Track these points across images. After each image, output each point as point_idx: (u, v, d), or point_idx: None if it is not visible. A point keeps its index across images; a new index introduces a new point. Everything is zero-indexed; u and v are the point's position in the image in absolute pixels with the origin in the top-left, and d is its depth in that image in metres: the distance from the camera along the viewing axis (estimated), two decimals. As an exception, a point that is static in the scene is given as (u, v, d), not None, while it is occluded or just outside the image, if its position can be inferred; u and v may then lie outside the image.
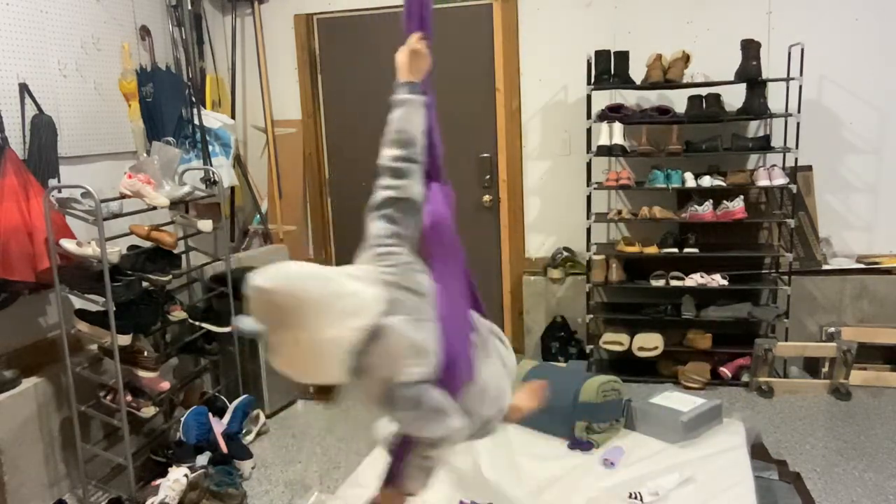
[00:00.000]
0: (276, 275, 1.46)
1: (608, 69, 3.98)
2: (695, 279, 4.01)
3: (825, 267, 4.12)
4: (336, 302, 1.42)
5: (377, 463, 2.63)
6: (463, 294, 1.75)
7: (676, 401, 3.09)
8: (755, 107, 3.85)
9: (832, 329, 4.02)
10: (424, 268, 1.67)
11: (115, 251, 2.93)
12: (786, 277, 4.02)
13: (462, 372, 1.63)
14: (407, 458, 1.79)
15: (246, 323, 1.45)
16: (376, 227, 1.69)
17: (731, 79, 3.87)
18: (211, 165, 4.10)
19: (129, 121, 3.79)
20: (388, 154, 1.74)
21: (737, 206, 3.86)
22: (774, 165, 3.91)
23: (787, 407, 3.72)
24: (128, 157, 3.72)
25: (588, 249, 4.13)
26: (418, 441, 1.68)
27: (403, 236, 1.67)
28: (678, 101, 4.14)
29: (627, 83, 4.00)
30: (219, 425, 3.35)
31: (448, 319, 1.60)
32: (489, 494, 2.57)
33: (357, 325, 1.43)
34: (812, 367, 4.11)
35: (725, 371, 4.02)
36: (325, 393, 1.55)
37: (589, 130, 4.02)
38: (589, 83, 3.98)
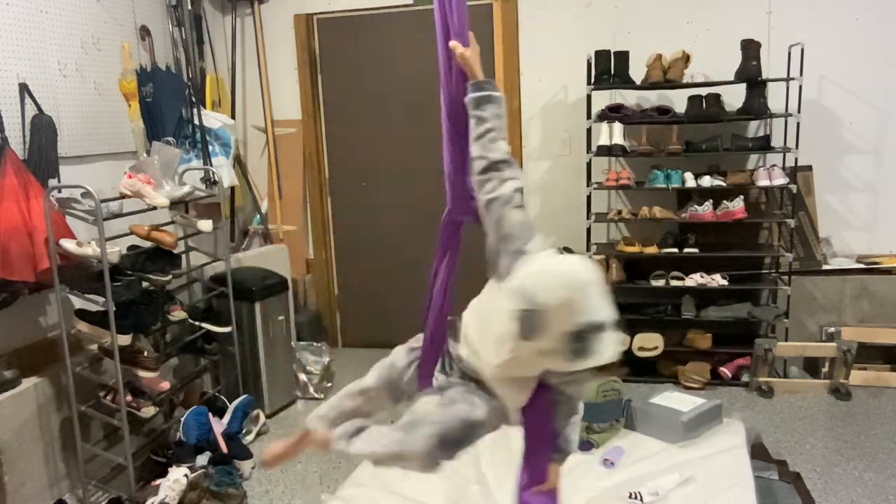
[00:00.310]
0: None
1: (608, 69, 3.98)
2: (695, 279, 4.01)
3: (825, 267, 4.12)
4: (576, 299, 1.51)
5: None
6: None
7: (676, 401, 3.09)
8: (755, 107, 3.85)
9: (832, 329, 4.02)
10: None
11: (115, 251, 2.93)
12: (786, 277, 4.02)
13: None
14: (558, 422, 1.84)
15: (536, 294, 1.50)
16: (518, 216, 1.69)
17: (731, 79, 3.87)
18: (211, 165, 4.10)
19: (129, 121, 3.79)
20: (503, 148, 1.75)
21: (737, 206, 3.86)
22: (774, 165, 3.91)
23: (787, 407, 3.72)
24: (128, 157, 3.72)
25: (588, 249, 4.13)
26: (576, 384, 1.72)
27: (520, 227, 1.70)
28: (678, 101, 4.14)
29: (627, 83, 4.00)
30: (219, 425, 3.35)
31: None
32: (489, 494, 2.57)
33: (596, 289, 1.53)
34: (812, 367, 4.11)
35: (725, 371, 4.02)
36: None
37: (589, 130, 4.02)
38: (589, 83, 3.98)
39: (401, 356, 2.01)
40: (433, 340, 1.91)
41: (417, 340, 1.99)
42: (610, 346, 1.50)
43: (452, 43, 1.78)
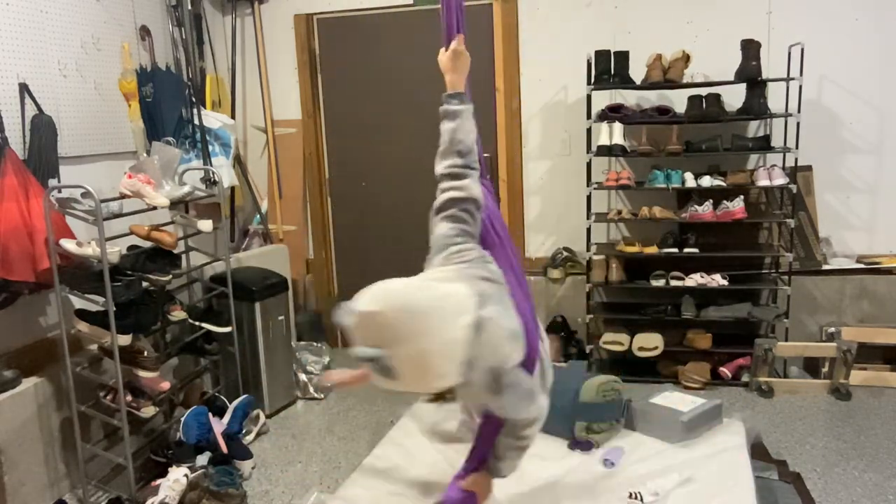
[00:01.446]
0: (377, 296, 1.45)
1: (608, 69, 3.98)
2: (695, 279, 4.01)
3: (825, 267, 4.12)
4: (443, 305, 1.45)
5: (377, 462, 2.64)
6: (518, 277, 1.82)
7: (676, 401, 3.09)
8: (755, 107, 3.85)
9: (832, 329, 4.02)
10: (492, 258, 1.74)
11: (115, 251, 2.93)
12: (786, 277, 4.02)
13: (533, 351, 1.70)
14: (498, 442, 1.87)
15: (365, 350, 1.41)
16: (443, 228, 1.75)
17: (731, 79, 3.87)
18: (211, 165, 4.10)
19: (129, 121, 3.79)
20: (446, 163, 1.82)
21: (737, 206, 3.86)
22: (774, 165, 3.91)
23: (787, 407, 3.72)
24: (128, 157, 3.72)
25: (588, 249, 4.13)
26: (515, 423, 1.76)
27: (469, 233, 1.74)
28: (678, 101, 4.14)
29: (627, 83, 4.00)
30: (219, 425, 3.35)
31: (519, 303, 1.67)
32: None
33: (465, 321, 1.45)
34: (812, 367, 4.11)
35: (725, 371, 4.02)
36: (441, 396, 1.58)
37: (589, 130, 4.02)
38: (589, 83, 3.98)
39: None
40: None
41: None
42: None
43: (454, 45, 1.90)
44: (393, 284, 1.49)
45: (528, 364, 1.70)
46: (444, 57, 1.92)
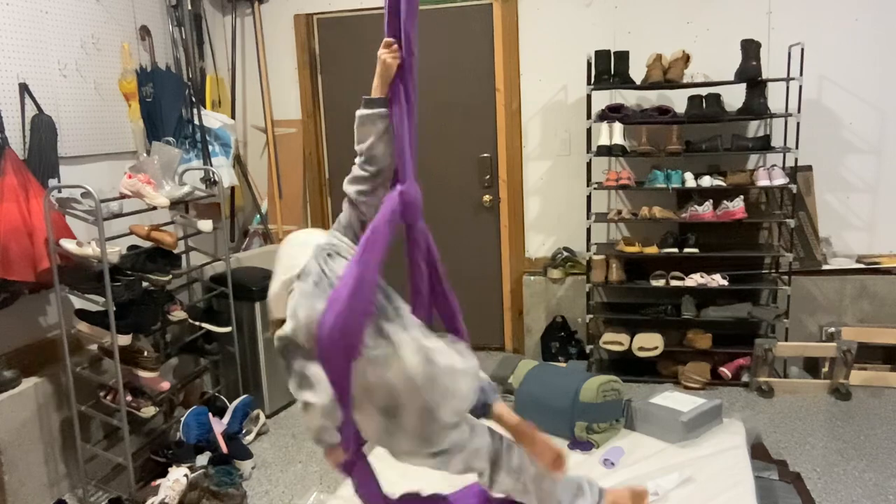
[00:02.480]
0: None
1: (608, 69, 3.98)
2: (695, 279, 4.01)
3: (825, 267, 4.12)
4: (282, 258, 1.91)
5: (376, 462, 2.63)
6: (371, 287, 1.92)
7: (676, 401, 3.09)
8: (755, 107, 3.85)
9: (832, 329, 4.02)
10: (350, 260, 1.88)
11: (115, 251, 2.93)
12: (786, 277, 4.02)
13: (344, 347, 1.77)
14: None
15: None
16: (343, 213, 2.00)
17: (731, 79, 3.87)
18: (211, 165, 4.10)
19: (129, 121, 3.79)
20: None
21: (737, 206, 3.86)
22: (774, 165, 3.91)
23: (787, 407, 3.72)
24: (128, 157, 3.72)
25: (588, 249, 4.13)
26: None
27: (345, 226, 1.99)
28: (678, 101, 4.14)
29: (627, 83, 4.00)
30: (219, 425, 3.35)
31: (346, 300, 1.75)
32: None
33: (283, 278, 1.85)
34: (812, 367, 4.11)
35: (725, 371, 4.02)
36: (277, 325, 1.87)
37: (589, 130, 4.02)
38: (589, 83, 3.98)
39: None
40: None
41: None
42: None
43: (388, 40, 2.04)
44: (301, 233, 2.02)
45: (330, 356, 1.79)
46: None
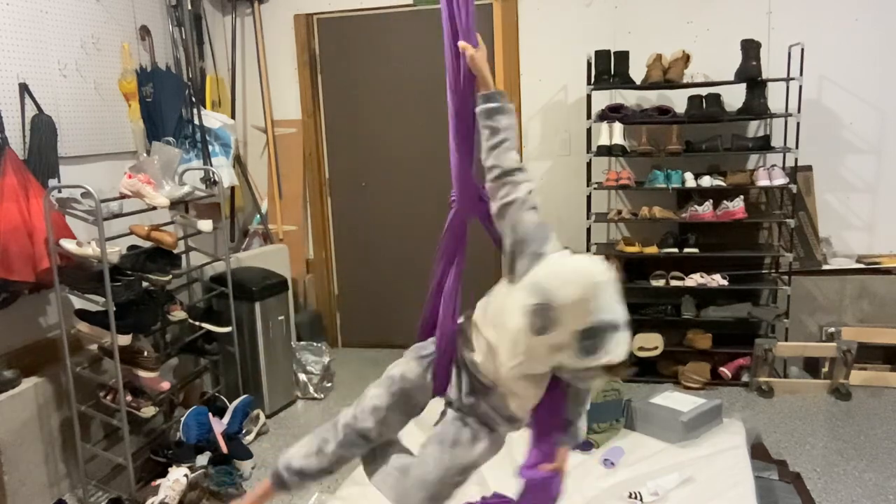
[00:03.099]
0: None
1: (608, 69, 3.98)
2: (695, 279, 4.01)
3: (825, 267, 4.11)
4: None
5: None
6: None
7: (676, 401, 3.09)
8: (755, 107, 3.85)
9: (832, 329, 4.01)
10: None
11: (115, 251, 2.93)
12: (786, 277, 4.02)
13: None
14: (568, 407, 1.86)
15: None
16: (533, 217, 1.74)
17: (731, 79, 3.87)
18: (211, 165, 4.10)
19: (129, 121, 3.79)
20: (516, 157, 1.80)
21: (737, 206, 3.86)
22: (774, 165, 3.91)
23: (787, 407, 3.71)
24: (128, 157, 3.72)
25: (588, 249, 4.13)
26: (575, 377, 1.71)
27: None
28: (678, 101, 4.14)
29: (627, 83, 4.00)
30: (219, 425, 3.35)
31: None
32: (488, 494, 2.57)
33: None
34: (812, 367, 4.11)
35: (725, 371, 4.02)
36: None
37: (589, 130, 4.02)
38: (589, 83, 3.98)
39: (412, 367, 1.93)
40: (446, 348, 1.87)
41: (423, 347, 1.95)
42: (620, 346, 1.52)
43: (462, 43, 1.79)
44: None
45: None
46: (482, 62, 1.86)
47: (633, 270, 4.20)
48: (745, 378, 3.98)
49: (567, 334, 1.51)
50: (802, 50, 3.78)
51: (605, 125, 3.95)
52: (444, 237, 1.90)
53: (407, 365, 1.94)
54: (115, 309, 2.85)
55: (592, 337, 1.49)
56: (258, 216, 4.78)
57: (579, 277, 1.54)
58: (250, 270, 3.96)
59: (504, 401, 1.80)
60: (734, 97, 3.95)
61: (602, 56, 3.97)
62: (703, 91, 3.94)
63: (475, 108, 1.81)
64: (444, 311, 1.87)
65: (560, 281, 1.54)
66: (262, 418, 3.69)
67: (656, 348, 3.98)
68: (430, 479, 1.85)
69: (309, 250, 4.95)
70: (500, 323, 1.71)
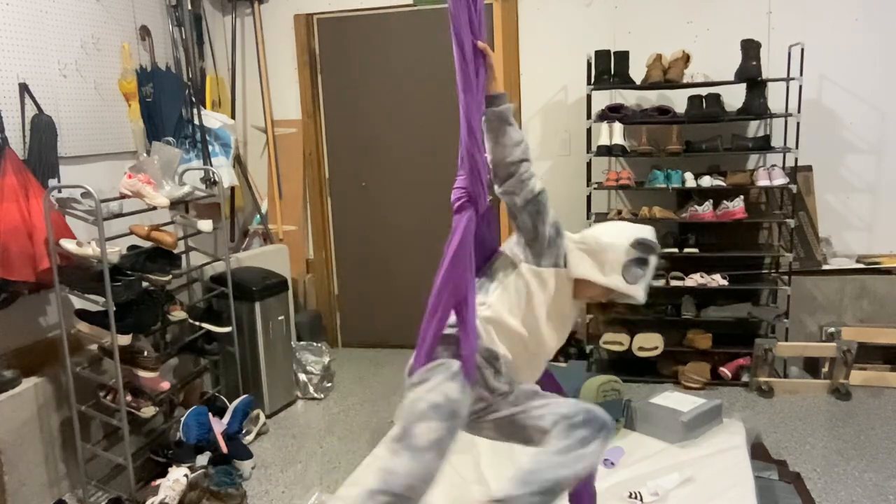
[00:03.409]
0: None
1: (608, 69, 3.98)
2: (695, 279, 4.01)
3: (825, 267, 4.12)
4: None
5: (377, 462, 2.64)
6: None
7: (676, 401, 3.09)
8: (755, 107, 3.85)
9: (832, 329, 4.02)
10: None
11: (115, 251, 2.93)
12: (786, 277, 4.02)
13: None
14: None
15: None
16: (552, 214, 2.02)
17: (731, 79, 3.87)
18: (211, 165, 4.10)
19: (129, 121, 3.79)
20: (527, 159, 1.97)
21: (737, 206, 3.86)
22: (774, 165, 3.91)
23: (787, 407, 3.72)
24: (128, 157, 3.72)
25: (588, 249, 4.12)
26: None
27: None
28: (678, 101, 4.14)
29: (627, 83, 4.00)
30: (219, 425, 3.35)
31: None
32: (488, 494, 2.57)
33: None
34: (812, 367, 4.11)
35: (725, 371, 4.02)
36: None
37: (589, 130, 4.02)
38: (589, 83, 3.98)
39: (459, 400, 1.76)
40: (469, 356, 1.80)
41: (449, 367, 1.78)
42: (650, 275, 2.01)
43: (482, 45, 1.88)
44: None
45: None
46: (495, 65, 1.95)
47: (633, 270, 4.20)
48: (745, 378, 3.98)
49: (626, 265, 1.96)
50: (802, 50, 3.78)
51: (605, 125, 3.95)
52: (452, 250, 1.83)
53: (455, 403, 1.76)
54: (115, 309, 2.85)
55: (642, 265, 1.98)
56: (258, 216, 4.79)
57: (631, 225, 2.05)
58: (250, 270, 3.96)
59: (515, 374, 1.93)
60: (734, 97, 3.95)
61: (602, 56, 3.97)
62: (703, 91, 3.94)
63: (490, 106, 1.92)
64: (468, 319, 1.80)
65: (624, 228, 2.04)
66: (262, 418, 3.69)
67: (656, 348, 3.98)
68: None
69: (309, 250, 4.95)
70: (540, 302, 1.91)
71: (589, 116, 3.99)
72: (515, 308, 1.89)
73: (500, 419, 1.91)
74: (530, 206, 1.92)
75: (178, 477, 2.85)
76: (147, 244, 3.24)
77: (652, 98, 4.29)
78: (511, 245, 2.00)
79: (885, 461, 3.10)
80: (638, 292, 1.98)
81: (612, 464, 2.80)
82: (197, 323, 3.53)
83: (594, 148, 3.98)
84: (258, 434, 3.62)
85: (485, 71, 1.88)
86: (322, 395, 4.11)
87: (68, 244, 2.88)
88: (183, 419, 3.28)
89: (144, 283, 3.11)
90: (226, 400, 3.64)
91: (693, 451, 2.85)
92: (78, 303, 3.08)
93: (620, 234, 1.99)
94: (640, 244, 1.95)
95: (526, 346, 1.91)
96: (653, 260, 1.98)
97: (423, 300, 1.89)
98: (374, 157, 4.79)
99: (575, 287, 1.99)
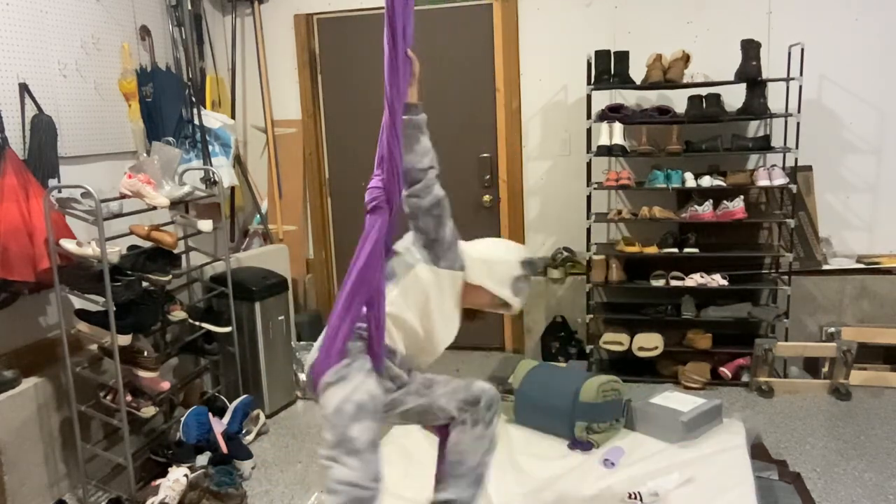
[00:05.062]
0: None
1: (608, 69, 3.98)
2: (695, 279, 4.01)
3: (825, 267, 4.12)
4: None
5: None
6: None
7: (676, 401, 3.09)
8: (755, 107, 3.85)
9: (832, 329, 4.02)
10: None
11: (115, 251, 2.93)
12: (786, 277, 4.02)
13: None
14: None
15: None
16: (450, 223, 2.13)
17: (731, 79, 3.87)
18: (211, 165, 4.10)
19: (129, 121, 3.79)
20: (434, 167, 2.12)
21: (737, 206, 3.86)
22: (774, 165, 3.91)
23: (787, 407, 3.72)
24: (128, 157, 3.72)
25: (588, 249, 4.13)
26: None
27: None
28: (678, 101, 4.14)
29: (627, 83, 4.00)
30: (219, 425, 3.35)
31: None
32: (485, 495, 2.57)
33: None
34: (812, 367, 4.11)
35: (725, 371, 4.02)
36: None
37: (589, 130, 4.02)
38: (589, 83, 3.98)
39: (379, 396, 1.94)
40: (382, 352, 1.99)
41: (363, 364, 1.96)
42: (526, 290, 2.19)
43: (411, 53, 2.11)
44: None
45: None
46: (417, 65, 2.10)
47: (632, 270, 4.20)
48: (745, 378, 3.98)
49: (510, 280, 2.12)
50: (802, 50, 3.78)
51: (605, 125, 3.95)
52: (367, 251, 2.03)
53: (370, 398, 1.92)
54: (115, 309, 2.85)
55: (523, 280, 2.14)
56: (258, 216, 4.79)
57: (512, 244, 2.23)
58: (250, 270, 3.96)
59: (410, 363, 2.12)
60: (734, 97, 3.95)
61: (602, 56, 3.97)
62: (703, 91, 3.94)
63: (408, 114, 2.14)
64: (377, 328, 1.95)
65: (512, 246, 2.19)
66: (262, 418, 3.69)
67: (656, 348, 3.98)
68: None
69: (309, 250, 4.95)
70: (436, 303, 2.03)
71: (589, 116, 3.99)
72: (413, 306, 2.02)
73: (407, 411, 2.12)
74: (434, 209, 2.04)
75: (178, 477, 2.85)
76: (147, 244, 3.24)
77: (652, 98, 4.29)
78: (407, 245, 2.12)
79: (885, 461, 3.10)
80: (519, 304, 2.18)
81: (613, 464, 2.80)
82: (197, 323, 3.53)
83: (594, 148, 3.98)
84: (258, 434, 3.62)
85: (409, 77, 2.06)
86: (322, 395, 4.11)
87: (68, 244, 2.88)
88: (183, 419, 3.28)
89: (144, 283, 3.11)
90: (226, 400, 3.64)
91: (693, 451, 2.85)
92: (78, 303, 3.08)
93: (509, 252, 2.15)
94: (526, 263, 2.14)
95: (419, 343, 2.06)
96: (531, 277, 2.19)
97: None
98: (374, 157, 4.78)
99: (463, 291, 2.10)
